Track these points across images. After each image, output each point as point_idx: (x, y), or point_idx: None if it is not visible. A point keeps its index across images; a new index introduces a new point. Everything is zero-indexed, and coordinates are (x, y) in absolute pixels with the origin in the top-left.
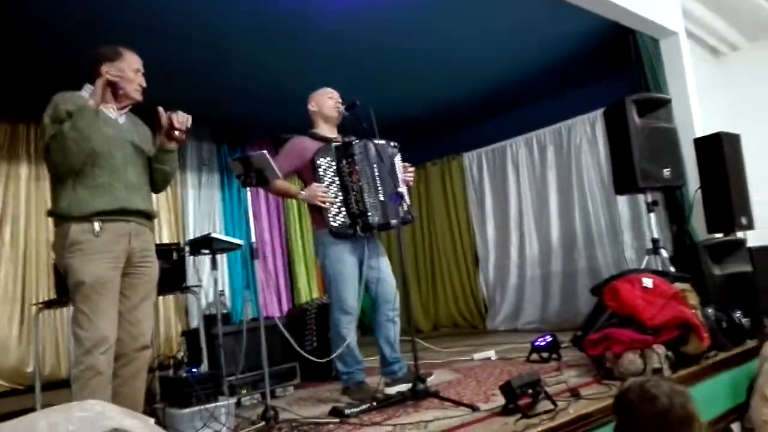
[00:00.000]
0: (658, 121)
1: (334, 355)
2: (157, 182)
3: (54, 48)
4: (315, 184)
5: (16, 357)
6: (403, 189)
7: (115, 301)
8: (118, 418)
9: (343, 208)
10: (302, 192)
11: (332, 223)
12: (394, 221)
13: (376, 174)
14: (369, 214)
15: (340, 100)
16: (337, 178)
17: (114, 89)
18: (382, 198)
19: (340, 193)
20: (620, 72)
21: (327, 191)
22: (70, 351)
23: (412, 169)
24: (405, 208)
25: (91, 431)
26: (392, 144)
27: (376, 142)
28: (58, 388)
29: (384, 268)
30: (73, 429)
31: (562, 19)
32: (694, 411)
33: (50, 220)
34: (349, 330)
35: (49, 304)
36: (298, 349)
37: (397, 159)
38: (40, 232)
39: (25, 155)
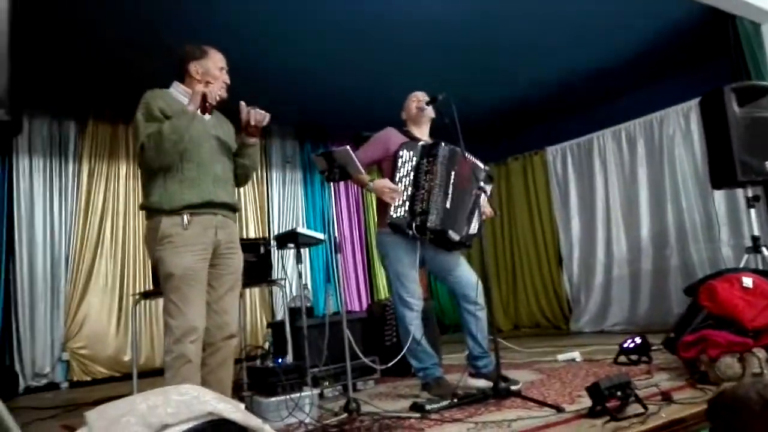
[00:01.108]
0: (760, 110)
1: (405, 350)
2: (239, 176)
3: (149, 51)
4: (386, 179)
5: (114, 346)
6: (477, 218)
7: (203, 291)
8: (213, 402)
9: (407, 202)
10: (371, 183)
11: (392, 213)
12: (452, 233)
13: (452, 181)
14: (429, 215)
15: (423, 101)
16: (412, 173)
17: (204, 100)
18: (448, 206)
19: (410, 188)
20: (715, 59)
21: (396, 188)
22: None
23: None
24: (473, 229)
25: (187, 414)
26: (486, 169)
27: (469, 156)
28: (153, 376)
29: (457, 269)
30: (171, 411)
31: (655, 4)
32: None
33: (143, 213)
34: (415, 326)
35: (146, 295)
36: (359, 352)
37: (488, 187)
38: (138, 227)
39: (125, 154)
